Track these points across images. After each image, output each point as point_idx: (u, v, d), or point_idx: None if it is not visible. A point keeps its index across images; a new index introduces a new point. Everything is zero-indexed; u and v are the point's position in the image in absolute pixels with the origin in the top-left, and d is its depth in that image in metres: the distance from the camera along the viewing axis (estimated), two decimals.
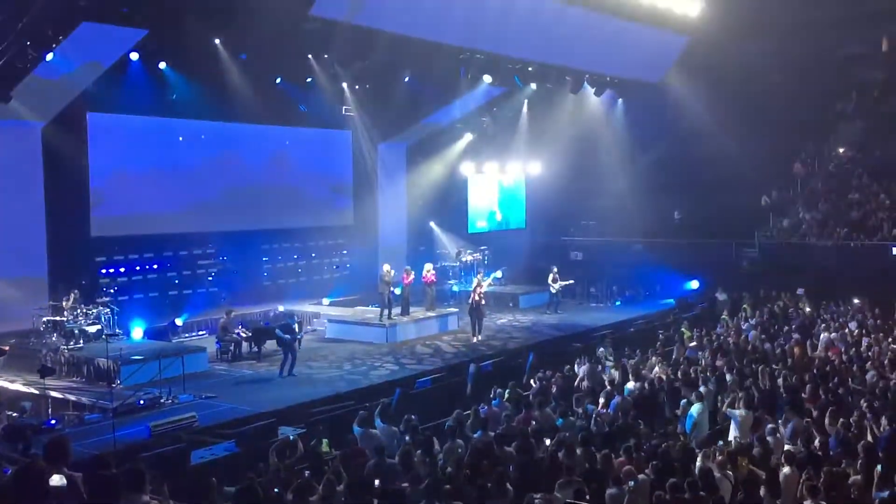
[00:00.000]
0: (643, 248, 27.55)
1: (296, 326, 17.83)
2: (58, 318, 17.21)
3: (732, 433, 11.17)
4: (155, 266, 21.52)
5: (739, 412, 11.31)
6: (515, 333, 21.36)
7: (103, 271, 20.30)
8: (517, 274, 28.15)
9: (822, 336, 17.19)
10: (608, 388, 13.43)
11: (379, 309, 20.62)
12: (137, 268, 21.14)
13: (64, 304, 17.43)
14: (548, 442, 10.56)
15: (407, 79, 23.05)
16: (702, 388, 12.60)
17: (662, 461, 9.22)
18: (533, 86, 26.11)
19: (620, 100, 29.20)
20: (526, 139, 29.96)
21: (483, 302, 20.23)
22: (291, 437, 11.59)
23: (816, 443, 10.16)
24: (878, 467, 8.66)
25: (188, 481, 10.93)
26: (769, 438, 10.18)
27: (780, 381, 13.35)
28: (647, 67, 27.32)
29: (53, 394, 14.82)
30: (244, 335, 18.64)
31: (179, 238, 21.76)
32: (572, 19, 21.98)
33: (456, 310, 22.36)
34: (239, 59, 19.42)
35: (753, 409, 11.67)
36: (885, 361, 14.69)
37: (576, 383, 14.38)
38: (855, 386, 13.28)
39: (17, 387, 15.31)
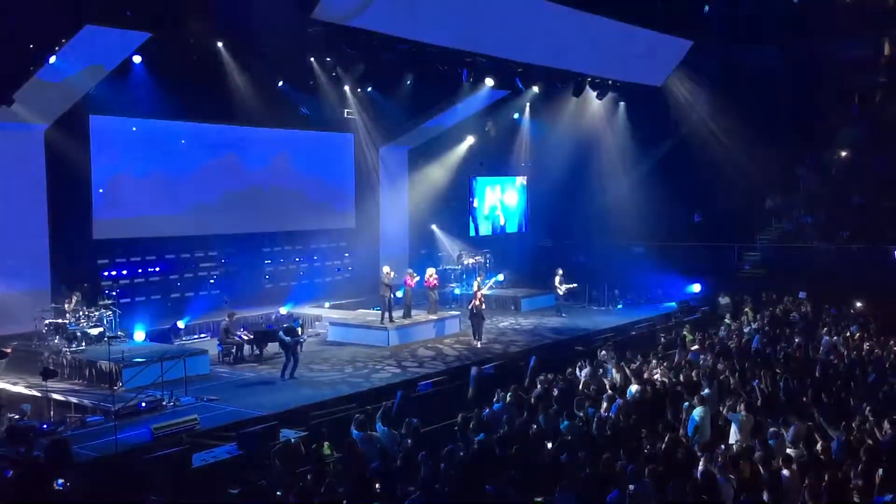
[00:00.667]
0: (645, 252, 27.56)
1: (298, 329, 17.83)
2: (60, 321, 17.21)
3: (734, 437, 11.15)
4: (157, 269, 21.50)
5: (741, 416, 11.29)
6: (517, 337, 21.36)
7: (105, 274, 20.29)
8: (519, 277, 28.15)
9: (824, 339, 17.17)
10: (609, 391, 13.41)
11: (380, 312, 20.64)
12: (140, 270, 21.14)
13: (66, 306, 17.44)
14: (549, 445, 10.55)
15: (409, 82, 23.07)
16: (704, 392, 12.58)
17: (664, 465, 9.21)
18: (535, 89, 26.13)
19: (622, 103, 29.21)
20: (528, 143, 29.98)
21: (483, 306, 20.25)
22: (293, 440, 11.61)
23: (818, 446, 10.15)
24: (880, 471, 8.65)
25: (191, 483, 10.97)
26: (771, 442, 10.17)
27: (781, 384, 13.33)
28: (649, 71, 27.34)
29: (55, 396, 14.85)
30: (246, 338, 18.65)
31: (181, 241, 21.74)
32: (574, 22, 21.98)
33: (458, 313, 22.35)
34: (241, 62, 19.44)
35: (755, 412, 11.66)
36: (888, 365, 14.67)
37: (579, 387, 14.36)
38: (857, 389, 13.26)
39: (20, 389, 15.33)
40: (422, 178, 28.05)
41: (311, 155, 25.27)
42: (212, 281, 22.66)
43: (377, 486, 9.06)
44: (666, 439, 10.42)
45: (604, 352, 16.56)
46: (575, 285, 25.09)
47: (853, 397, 12.61)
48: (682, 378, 14.07)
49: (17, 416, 13.66)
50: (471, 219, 29.56)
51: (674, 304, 24.94)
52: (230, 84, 19.85)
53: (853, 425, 10.65)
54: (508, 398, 12.97)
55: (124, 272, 20.80)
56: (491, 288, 26.13)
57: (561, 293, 24.46)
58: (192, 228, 21.81)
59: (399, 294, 21.30)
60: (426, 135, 27.52)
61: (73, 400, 14.64)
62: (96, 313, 17.69)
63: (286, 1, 17.08)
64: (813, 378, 13.78)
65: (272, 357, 18.24)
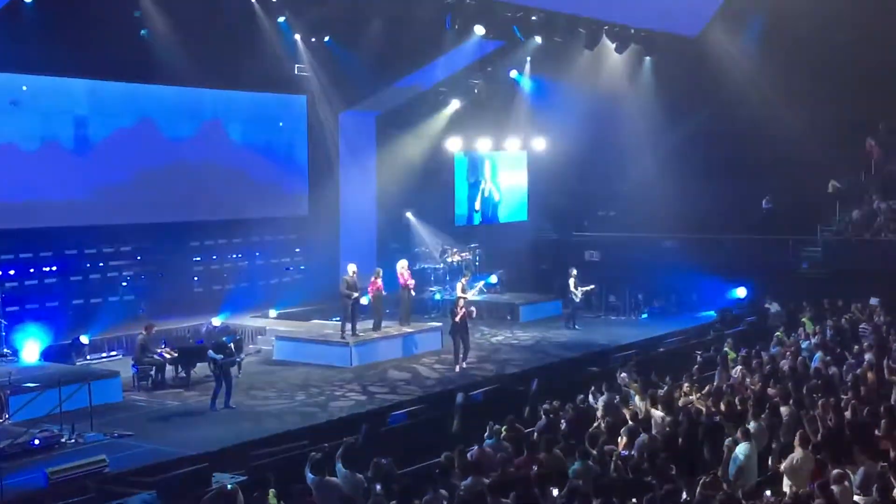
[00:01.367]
0: (676, 247, 27.68)
1: (233, 345, 17.81)
2: None
3: (787, 481, 11.25)
4: (53, 267, 21.43)
5: (797, 454, 11.39)
6: (514, 354, 21.47)
7: None
8: (517, 279, 28.21)
9: None
10: (631, 423, 13.50)
11: (341, 322, 20.63)
12: (31, 270, 21.06)
13: None
14: (556, 492, 10.60)
15: (377, 30, 23.03)
16: (750, 425, 12.69)
17: None
18: (537, 40, 26.17)
19: (648, 58, 29.28)
20: (528, 108, 30.02)
21: (472, 315, 20.26)
22: (229, 487, 11.58)
23: (895, 493, 10.25)
24: None
25: None
26: (834, 487, 10.26)
27: (848, 414, 13.45)
28: (682, 18, 27.44)
29: None
30: (168, 356, 18.61)
31: (84, 232, 21.68)
32: None
33: (439, 324, 22.41)
34: (161, 4, 19.32)
35: (814, 449, 11.76)
36: None
37: (593, 418, 14.43)
38: None
39: None
40: (393, 152, 28.07)
41: (252, 123, 25.25)
42: (124, 283, 22.62)
43: None
44: (702, 484, 10.49)
45: (624, 374, 16.66)
46: (593, 287, 25.18)
47: None
48: (722, 407, 14.18)
49: None
50: (457, 204, 29.56)
51: (712, 312, 25.09)
52: (148, 31, 19.71)
53: None
54: (503, 433, 13.01)
55: (11, 272, 20.72)
56: (481, 292, 26.19)
57: (577, 299, 24.57)
58: (98, 216, 21.72)
59: (365, 301, 21.27)
60: (399, 97, 27.53)
61: None
62: None
63: None
64: (887, 407, 13.91)
65: (202, 381, 18.21)
